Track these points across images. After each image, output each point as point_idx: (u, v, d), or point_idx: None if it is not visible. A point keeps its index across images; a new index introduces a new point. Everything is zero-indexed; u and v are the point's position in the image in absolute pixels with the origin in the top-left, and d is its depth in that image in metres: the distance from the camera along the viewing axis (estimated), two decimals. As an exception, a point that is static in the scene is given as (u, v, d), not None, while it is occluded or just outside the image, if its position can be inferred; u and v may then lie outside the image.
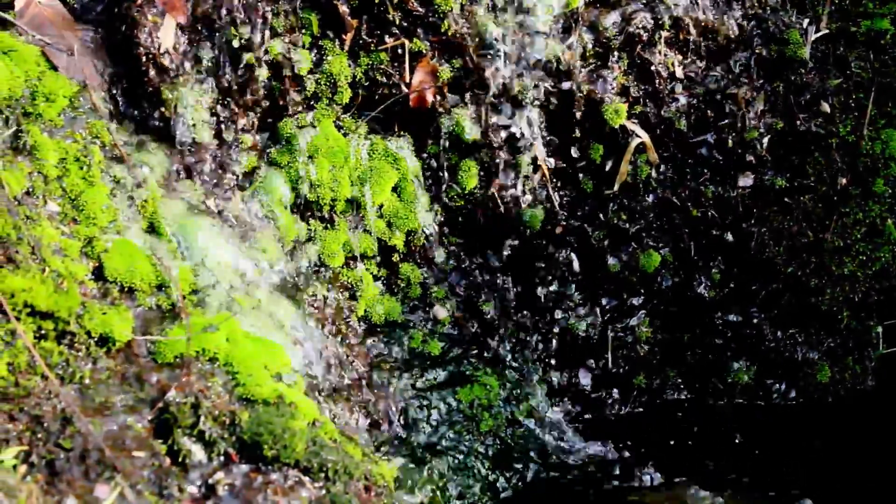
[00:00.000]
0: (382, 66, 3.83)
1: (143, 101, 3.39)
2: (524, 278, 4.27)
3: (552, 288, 4.30)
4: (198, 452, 2.60)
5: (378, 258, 3.96)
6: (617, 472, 3.98)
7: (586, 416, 4.33)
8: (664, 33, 4.14)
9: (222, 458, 2.62)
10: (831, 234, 4.37)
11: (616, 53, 4.10)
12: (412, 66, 3.86)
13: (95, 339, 2.69)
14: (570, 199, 4.26)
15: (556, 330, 4.32)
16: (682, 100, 4.24)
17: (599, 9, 4.07)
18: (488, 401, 3.92)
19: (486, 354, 4.10)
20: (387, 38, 3.82)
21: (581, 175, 4.23)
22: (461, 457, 3.79)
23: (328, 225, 3.79)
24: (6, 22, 3.13)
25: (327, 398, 3.44)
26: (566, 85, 4.04)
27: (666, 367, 4.45)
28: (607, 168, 4.21)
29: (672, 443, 4.24)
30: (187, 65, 3.43)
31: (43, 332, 2.57)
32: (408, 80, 3.85)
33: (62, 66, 3.16)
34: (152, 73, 3.35)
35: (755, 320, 4.44)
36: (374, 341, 3.88)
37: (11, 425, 2.36)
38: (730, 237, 4.37)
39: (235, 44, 3.49)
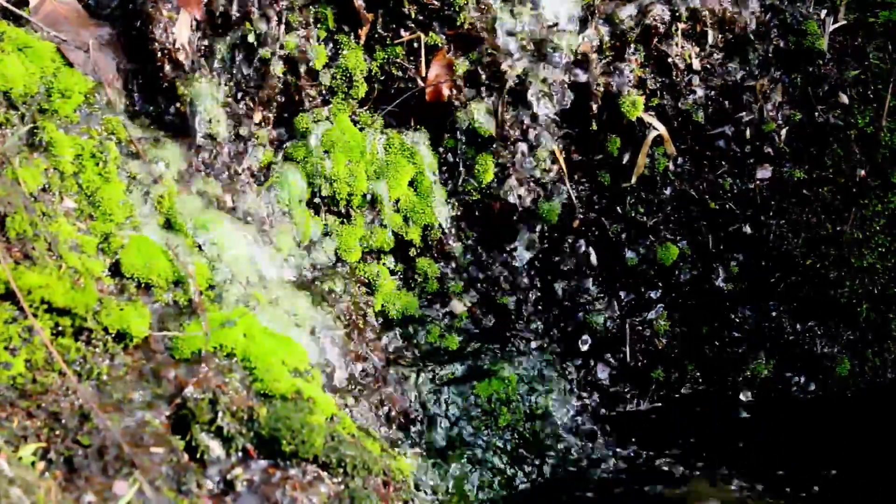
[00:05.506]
0: (398, 60, 3.82)
1: (159, 97, 3.39)
2: (542, 272, 4.25)
3: (570, 281, 4.29)
4: (216, 448, 2.60)
5: (395, 253, 3.95)
6: (636, 467, 3.98)
7: (605, 411, 4.31)
8: (681, 25, 4.12)
9: (240, 453, 2.62)
10: (850, 226, 4.34)
11: (633, 46, 4.08)
12: (428, 60, 3.85)
13: (112, 336, 2.70)
14: (587, 193, 4.24)
15: (573, 324, 4.30)
16: (700, 92, 4.22)
17: (616, 1, 4.06)
18: (506, 395, 3.91)
19: (504, 349, 4.08)
20: (402, 32, 3.81)
21: (598, 168, 4.21)
22: (479, 451, 3.78)
23: (344, 220, 3.78)
24: (21, 18, 3.14)
25: (345, 393, 3.44)
26: (583, 77, 4.02)
27: (684, 361, 4.43)
28: (624, 161, 4.20)
29: (691, 438, 4.22)
30: (202, 60, 3.43)
31: (60, 328, 2.58)
32: (424, 74, 3.84)
33: (77, 63, 3.17)
34: (167, 68, 3.35)
35: (774, 313, 4.42)
36: (391, 336, 3.87)
37: (30, 422, 2.36)
38: (748, 230, 4.35)
39: (250, 38, 3.49)
